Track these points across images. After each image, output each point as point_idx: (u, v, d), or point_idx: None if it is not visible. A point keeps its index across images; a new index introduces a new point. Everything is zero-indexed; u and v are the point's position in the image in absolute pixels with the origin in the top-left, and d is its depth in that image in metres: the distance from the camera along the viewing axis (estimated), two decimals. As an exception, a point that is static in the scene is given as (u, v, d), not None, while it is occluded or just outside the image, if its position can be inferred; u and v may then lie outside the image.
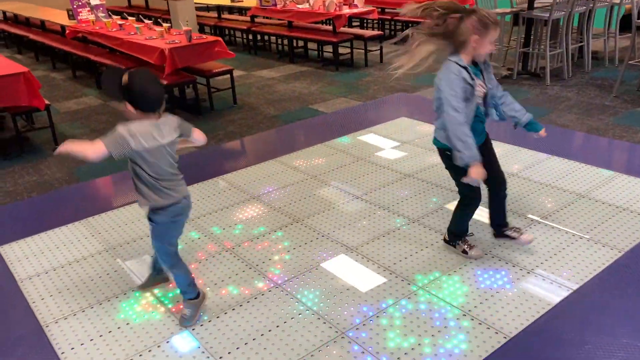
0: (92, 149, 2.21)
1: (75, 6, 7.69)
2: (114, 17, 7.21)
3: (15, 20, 10.85)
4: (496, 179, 2.84)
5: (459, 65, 2.50)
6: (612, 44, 7.08)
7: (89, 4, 7.76)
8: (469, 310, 2.54)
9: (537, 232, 3.17)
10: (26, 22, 10.23)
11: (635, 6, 5.43)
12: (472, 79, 2.51)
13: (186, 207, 2.48)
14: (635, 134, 4.63)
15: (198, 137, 2.55)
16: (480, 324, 2.46)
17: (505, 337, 2.37)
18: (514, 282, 2.73)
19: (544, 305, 2.55)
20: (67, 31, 7.66)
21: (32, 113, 5.44)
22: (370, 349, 2.34)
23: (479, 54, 2.53)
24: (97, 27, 7.11)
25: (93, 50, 7.55)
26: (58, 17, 8.81)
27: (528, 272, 2.80)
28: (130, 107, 2.27)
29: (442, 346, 2.33)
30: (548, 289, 2.66)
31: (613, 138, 4.57)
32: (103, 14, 7.75)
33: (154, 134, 2.28)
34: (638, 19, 5.48)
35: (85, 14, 7.71)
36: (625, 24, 7.36)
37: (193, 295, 2.57)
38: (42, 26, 9.63)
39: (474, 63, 2.59)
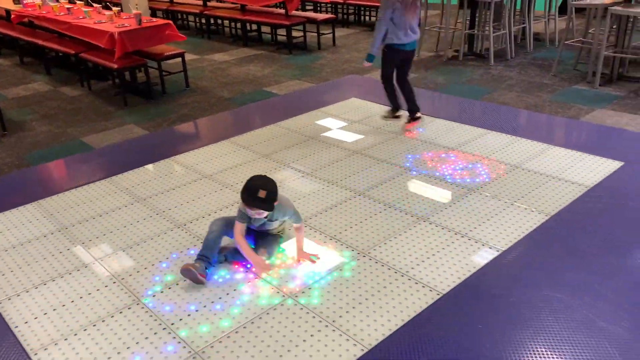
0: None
1: (20, -10, 7.51)
2: (62, 0, 7.07)
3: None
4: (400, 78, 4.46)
5: None
6: (552, 26, 7.40)
7: (35, -13, 7.59)
8: (407, 272, 2.73)
9: (473, 199, 3.39)
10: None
11: (570, -11, 5.72)
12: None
13: None
14: (568, 109, 4.92)
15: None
16: (416, 283, 2.65)
17: (438, 294, 2.57)
18: (448, 246, 2.93)
19: (475, 265, 2.76)
20: (13, 16, 7.47)
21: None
22: (315, 309, 2.50)
23: None
24: (44, 12, 6.98)
25: (41, 35, 7.39)
26: (2, 1, 8.56)
27: (462, 236, 3.01)
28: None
29: (381, 304, 2.51)
30: (480, 250, 2.88)
31: (549, 114, 4.85)
32: (50, -2, 7.60)
33: None
34: (574, 0, 5.77)
35: (31, -2, 7.54)
36: (564, 7, 7.71)
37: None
38: (-14, 11, 9.32)
39: None
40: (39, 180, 4.14)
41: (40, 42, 7.03)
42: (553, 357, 2.19)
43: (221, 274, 2.79)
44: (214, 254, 2.78)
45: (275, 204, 2.66)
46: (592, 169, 3.68)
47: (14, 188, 4.01)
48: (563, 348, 2.24)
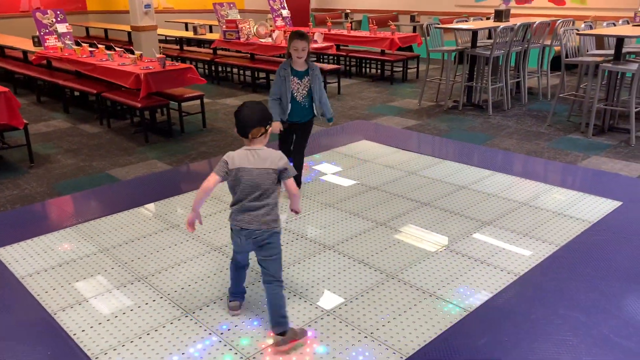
0: (206, 182, 2.60)
1: (42, 33, 7.88)
2: (84, 44, 7.45)
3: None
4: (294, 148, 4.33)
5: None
6: (545, 81, 7.93)
7: (57, 31, 7.99)
8: (434, 292, 2.97)
9: (488, 232, 3.67)
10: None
11: (563, 48, 6.22)
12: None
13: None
14: (566, 155, 5.29)
15: (290, 186, 2.64)
16: (444, 301, 2.89)
17: (466, 311, 2.81)
18: (470, 270, 3.19)
19: (497, 287, 3.01)
20: (34, 57, 7.81)
21: (4, 132, 5.60)
22: (352, 322, 2.71)
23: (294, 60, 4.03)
24: (67, 54, 7.33)
25: (59, 75, 7.73)
26: (18, 43, 8.94)
27: (481, 262, 3.27)
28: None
29: (414, 318, 2.74)
30: (500, 275, 3.13)
31: (548, 159, 5.21)
32: (70, 42, 7.99)
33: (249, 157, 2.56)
34: (566, 58, 6.27)
35: (52, 41, 7.91)
36: (554, 65, 8.28)
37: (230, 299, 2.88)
38: (1, 52, 9.69)
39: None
40: (73, 207, 4.35)
41: (60, 81, 7.35)
42: (575, 366, 2.42)
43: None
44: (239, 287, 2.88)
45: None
46: (594, 207, 4.00)
47: (50, 214, 4.22)
48: (583, 359, 2.47)
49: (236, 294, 2.86)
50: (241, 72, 9.54)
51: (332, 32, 9.61)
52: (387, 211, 4.03)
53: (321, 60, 10.47)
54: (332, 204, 4.17)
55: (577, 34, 6.18)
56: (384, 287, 3.04)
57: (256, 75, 8.93)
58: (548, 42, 7.62)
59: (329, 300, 2.93)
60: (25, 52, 8.77)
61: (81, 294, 3.03)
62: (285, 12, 10.02)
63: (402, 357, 2.48)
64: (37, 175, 5.03)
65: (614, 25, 6.86)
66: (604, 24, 6.98)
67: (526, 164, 5.11)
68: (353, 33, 9.50)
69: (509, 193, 4.32)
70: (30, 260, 3.41)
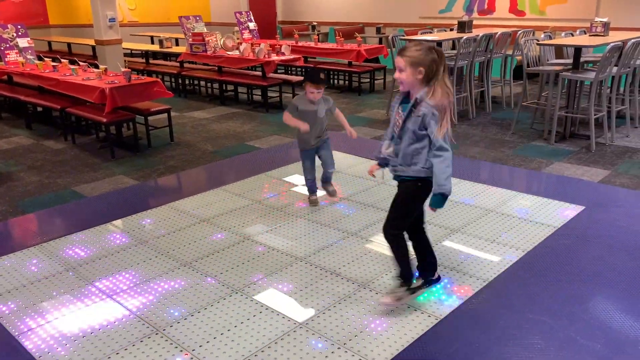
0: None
1: (2, 48, 7.71)
2: (46, 59, 7.30)
3: None
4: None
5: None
6: (508, 90, 8.12)
7: (17, 46, 7.82)
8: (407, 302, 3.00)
9: (457, 239, 3.72)
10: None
11: (524, 58, 6.39)
12: None
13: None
14: (530, 162, 5.42)
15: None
16: (415, 310, 2.91)
17: (436, 319, 2.84)
18: (443, 275, 3.22)
19: (467, 294, 3.06)
20: (-6, 72, 7.63)
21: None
22: (325, 334, 2.71)
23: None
24: (28, 69, 7.18)
25: (21, 91, 7.55)
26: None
27: (451, 269, 3.32)
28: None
29: (386, 328, 2.75)
30: (468, 282, 3.18)
31: (513, 166, 5.33)
32: (32, 56, 7.83)
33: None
34: (528, 67, 6.44)
35: (13, 56, 7.74)
36: (516, 74, 8.50)
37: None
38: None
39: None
40: (37, 225, 4.24)
41: (22, 97, 7.18)
42: (544, 368, 2.47)
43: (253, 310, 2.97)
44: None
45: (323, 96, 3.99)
46: (558, 212, 4.10)
47: (13, 233, 4.10)
48: (551, 361, 2.52)
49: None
50: (209, 84, 9.50)
51: (300, 44, 9.67)
52: (358, 221, 4.06)
53: (289, 72, 10.51)
54: (302, 216, 4.17)
55: (537, 44, 6.37)
56: (356, 297, 3.05)
57: (224, 88, 8.90)
58: (510, 52, 7.82)
59: (301, 312, 2.92)
60: (-16, 68, 8.55)
61: (46, 314, 2.95)
62: (252, 25, 10.04)
63: (375, 367, 2.49)
64: (0, 194, 4.90)
65: (572, 35, 7.09)
66: (563, 34, 7.21)
67: (492, 172, 5.21)
68: (320, 45, 9.58)
69: (475, 200, 4.39)
70: (-8, 281, 3.30)
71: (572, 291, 3.07)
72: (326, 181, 4.44)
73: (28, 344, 2.70)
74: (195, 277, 3.30)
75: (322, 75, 4.01)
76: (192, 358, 2.57)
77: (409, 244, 2.93)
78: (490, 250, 3.55)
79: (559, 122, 6.16)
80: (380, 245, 3.66)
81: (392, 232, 2.82)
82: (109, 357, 2.59)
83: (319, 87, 3.96)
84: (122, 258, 3.57)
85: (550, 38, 6.82)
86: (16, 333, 2.79)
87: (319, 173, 4.40)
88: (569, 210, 4.13)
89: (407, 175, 2.74)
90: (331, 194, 4.43)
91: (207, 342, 2.69)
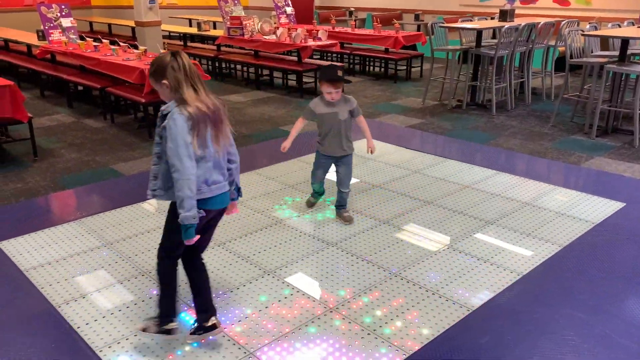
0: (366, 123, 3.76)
1: (46, 27, 7.89)
2: (88, 39, 7.45)
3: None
4: None
5: None
6: (548, 82, 7.92)
7: (61, 26, 7.99)
8: (437, 290, 2.98)
9: (491, 231, 3.67)
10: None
11: (568, 48, 6.21)
12: None
13: None
14: (569, 156, 5.29)
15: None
16: (447, 300, 2.89)
17: (468, 310, 2.81)
18: (473, 269, 3.19)
19: (499, 286, 3.02)
20: (38, 51, 7.83)
21: (8, 126, 5.60)
22: (356, 320, 2.72)
23: None
24: (71, 48, 7.34)
25: (63, 70, 7.74)
26: (22, 37, 8.94)
27: (485, 261, 3.28)
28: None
29: (417, 316, 2.75)
30: (502, 274, 3.14)
31: (551, 159, 5.21)
32: (74, 36, 8.00)
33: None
34: (570, 59, 6.26)
35: (56, 35, 7.92)
36: (558, 65, 8.27)
37: None
38: (5, 46, 9.69)
39: None
40: (77, 201, 4.35)
41: (64, 76, 7.35)
42: (577, 365, 2.43)
43: (285, 292, 3.01)
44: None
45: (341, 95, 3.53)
46: (597, 208, 4.00)
47: (54, 208, 4.23)
48: (585, 357, 2.47)
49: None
50: (245, 68, 9.54)
51: (336, 29, 9.60)
52: (390, 209, 4.04)
53: (325, 57, 10.47)
54: (334, 202, 4.17)
55: (582, 34, 6.17)
56: (386, 284, 3.04)
57: (260, 72, 8.93)
58: (552, 43, 7.61)
59: (332, 297, 2.94)
60: (29, 46, 8.78)
61: (85, 287, 3.04)
62: (290, 10, 10.01)
63: (404, 355, 2.49)
64: (41, 169, 5.04)
65: (619, 26, 6.85)
66: (609, 25, 6.97)
67: (529, 164, 5.11)
68: (357, 31, 9.49)
69: (512, 193, 4.32)
70: (34, 253, 3.42)
71: (610, 288, 3.00)
72: (341, 206, 3.86)
73: (67, 315, 2.79)
74: (228, 258, 3.35)
75: (339, 72, 3.48)
76: (223, 336, 2.62)
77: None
78: (525, 244, 3.49)
79: (601, 116, 5.98)
80: (412, 234, 3.64)
81: (160, 254, 2.49)
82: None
83: (337, 86, 3.45)
84: (158, 236, 3.63)
85: (596, 29, 6.60)
86: (56, 303, 2.88)
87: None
88: (609, 207, 4.02)
89: (165, 200, 2.40)
90: (346, 220, 3.80)
91: (239, 321, 2.73)
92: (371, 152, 3.81)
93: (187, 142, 2.21)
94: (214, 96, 2.35)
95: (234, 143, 2.49)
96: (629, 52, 5.89)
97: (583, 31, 6.26)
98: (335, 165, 3.76)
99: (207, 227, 2.48)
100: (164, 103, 2.35)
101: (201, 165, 2.29)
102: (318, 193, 4.01)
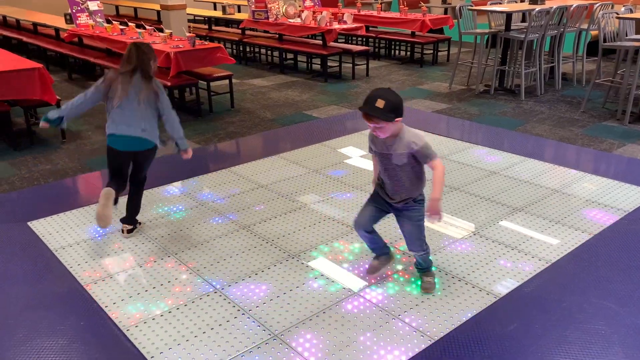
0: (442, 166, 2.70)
1: (74, 11, 7.95)
2: (114, 22, 7.49)
3: (5, 23, 10.97)
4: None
5: None
6: (579, 67, 7.71)
7: (88, 9, 8.04)
8: (464, 277, 2.94)
9: (519, 218, 3.61)
10: (17, 26, 10.38)
11: (601, 32, 6.03)
12: None
13: None
14: (600, 143, 5.16)
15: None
16: (473, 287, 2.86)
17: (495, 297, 2.77)
18: (502, 255, 3.14)
19: (528, 274, 2.97)
20: (66, 34, 7.90)
21: (37, 108, 5.68)
22: (381, 304, 2.70)
23: None
24: (97, 32, 7.39)
25: (90, 53, 7.81)
26: (50, 20, 9.04)
27: (512, 249, 3.22)
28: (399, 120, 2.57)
29: (443, 302, 2.72)
30: (531, 262, 3.08)
31: (582, 146, 5.09)
32: (101, 19, 8.05)
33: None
34: (604, 43, 6.08)
35: (84, 19, 7.98)
36: (590, 50, 8.04)
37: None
38: (34, 30, 9.82)
39: None
40: (103, 183, 4.40)
41: (92, 59, 7.43)
42: (607, 355, 2.37)
43: (309, 276, 3.01)
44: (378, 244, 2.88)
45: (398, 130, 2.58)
46: (629, 196, 3.90)
47: (81, 189, 4.29)
48: (616, 349, 2.42)
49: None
50: (269, 52, 9.51)
51: (362, 13, 9.49)
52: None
53: (350, 41, 10.37)
54: (358, 187, 4.14)
55: (617, 17, 5.98)
56: (413, 270, 3.01)
57: (284, 56, 8.89)
58: (585, 26, 7.39)
59: (356, 281, 2.92)
60: (57, 30, 8.88)
61: (112, 267, 3.08)
62: (315, -7, 9.91)
63: (430, 340, 2.47)
64: (69, 151, 5.11)
65: (656, 9, 6.62)
66: (645, 7, 6.74)
67: (559, 151, 5.00)
68: (383, 14, 9.37)
69: (540, 179, 4.23)
70: (63, 233, 3.48)
71: (642, 278, 2.93)
72: (419, 267, 2.90)
73: (95, 294, 2.83)
74: (253, 240, 3.36)
75: (379, 103, 2.48)
76: (249, 318, 2.63)
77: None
78: (554, 232, 3.42)
79: (635, 101, 5.81)
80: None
81: None
82: (169, 312, 2.68)
83: (370, 120, 2.54)
84: (182, 219, 3.67)
85: (631, 12, 6.39)
86: (84, 282, 2.93)
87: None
88: (642, 195, 3.91)
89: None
90: (425, 286, 2.83)
91: (264, 303, 2.74)
92: (430, 217, 2.65)
93: None
94: None
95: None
96: (665, 35, 5.69)
97: (618, 14, 6.07)
98: (395, 215, 2.81)
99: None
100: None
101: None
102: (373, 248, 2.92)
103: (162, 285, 2.91)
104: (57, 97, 5.28)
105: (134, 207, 3.44)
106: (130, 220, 3.44)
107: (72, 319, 2.66)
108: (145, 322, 2.61)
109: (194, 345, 2.46)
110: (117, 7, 12.67)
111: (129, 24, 7.39)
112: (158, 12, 10.44)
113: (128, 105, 3.21)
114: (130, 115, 3.21)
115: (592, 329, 2.54)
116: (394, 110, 2.50)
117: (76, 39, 8.11)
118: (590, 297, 2.78)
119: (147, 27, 7.09)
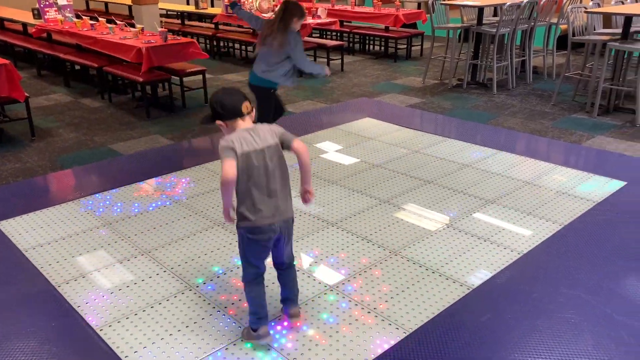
0: (224, 173, 2.17)
1: (42, 5, 7.77)
2: (85, 17, 7.34)
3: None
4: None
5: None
6: (550, 61, 7.84)
7: (57, 4, 7.87)
8: (437, 269, 2.98)
9: (491, 210, 3.66)
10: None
11: (570, 26, 6.13)
12: None
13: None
14: (570, 135, 5.26)
15: (298, 147, 2.37)
16: (447, 278, 2.89)
17: (468, 288, 2.81)
18: (473, 248, 3.18)
19: (500, 265, 3.01)
20: (34, 29, 7.72)
21: (5, 105, 5.54)
22: (357, 298, 2.72)
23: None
24: (67, 27, 7.24)
25: (59, 49, 7.64)
26: (17, 15, 8.82)
27: (485, 240, 3.27)
28: (220, 123, 2.30)
29: (416, 295, 2.75)
30: (503, 253, 3.13)
31: (552, 138, 5.18)
32: (70, 14, 7.88)
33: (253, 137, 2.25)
34: (574, 36, 6.18)
35: (52, 14, 7.81)
36: (560, 44, 8.18)
37: (252, 326, 2.43)
38: (0, 25, 9.56)
39: None
40: (76, 181, 4.33)
41: (61, 55, 7.27)
42: (577, 343, 2.43)
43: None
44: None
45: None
46: (598, 187, 3.99)
47: (52, 187, 4.21)
48: (586, 337, 2.48)
49: (265, 316, 2.43)
50: (243, 47, 9.44)
51: (336, 7, 9.48)
52: (390, 189, 4.02)
53: (324, 36, 10.36)
54: (335, 181, 4.16)
55: (585, 11, 6.10)
56: (387, 263, 3.04)
57: (258, 51, 8.81)
58: (554, 21, 7.51)
59: (332, 276, 2.93)
60: (25, 25, 8.66)
61: (84, 267, 3.04)
62: (288, -13, 9.86)
63: (405, 333, 2.49)
64: (39, 149, 5.01)
65: (622, 3, 6.76)
66: (612, 2, 6.88)
67: (530, 143, 5.08)
68: (357, 9, 9.38)
69: (512, 172, 4.30)
70: (33, 233, 3.41)
71: (610, 267, 3.00)
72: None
73: (67, 294, 2.78)
74: (228, 237, 3.34)
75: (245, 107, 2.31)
76: (224, 315, 2.62)
77: None
78: (525, 223, 3.48)
79: (603, 94, 5.93)
80: (412, 213, 3.63)
81: None
82: (144, 310, 2.66)
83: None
84: (157, 216, 3.63)
85: (599, 6, 6.51)
86: (56, 283, 2.88)
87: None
88: (610, 186, 4.00)
89: None
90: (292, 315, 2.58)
91: (239, 300, 2.73)
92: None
93: None
94: None
95: None
96: (632, 29, 5.81)
97: (586, 8, 6.18)
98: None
99: None
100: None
101: None
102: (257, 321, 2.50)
103: (135, 283, 2.88)
104: (26, 94, 5.16)
105: None
106: None
107: (44, 320, 2.61)
108: (119, 322, 2.58)
109: (169, 344, 2.44)
110: (87, 2, 12.40)
111: (100, 19, 7.26)
112: (129, 6, 10.26)
113: None
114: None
115: (563, 317, 2.60)
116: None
117: (45, 35, 7.93)
118: (561, 287, 2.84)
119: (118, 22, 6.97)
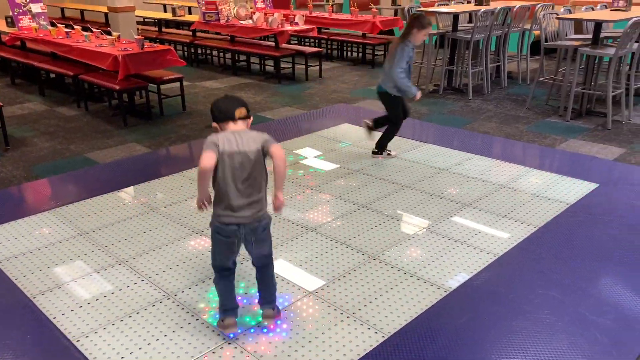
0: (201, 162, 2.27)
1: (15, 13, 7.67)
2: (59, 25, 7.27)
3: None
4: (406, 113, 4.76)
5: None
6: (524, 66, 7.99)
7: (31, 11, 7.78)
8: (415, 272, 3.00)
9: (468, 213, 3.71)
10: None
11: (542, 32, 6.26)
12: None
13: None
14: (544, 139, 5.36)
15: (274, 151, 2.41)
16: (424, 282, 2.92)
17: (446, 291, 2.85)
18: (450, 251, 3.22)
19: (476, 267, 3.06)
20: (8, 37, 7.62)
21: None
22: (334, 303, 2.73)
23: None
24: (41, 35, 7.16)
25: (34, 57, 7.55)
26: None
27: (462, 243, 3.31)
28: (214, 125, 2.41)
29: (395, 298, 2.77)
30: (479, 255, 3.18)
31: (527, 142, 5.27)
32: (45, 22, 7.79)
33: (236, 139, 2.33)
34: (546, 42, 6.31)
35: (26, 21, 7.71)
36: (533, 49, 8.34)
37: (219, 315, 2.55)
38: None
39: None
40: (51, 190, 4.27)
41: (36, 63, 7.18)
42: (552, 343, 2.48)
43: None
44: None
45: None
46: (571, 189, 4.07)
47: (27, 197, 4.15)
48: (560, 337, 2.52)
49: (231, 309, 2.54)
50: (221, 54, 9.43)
51: (314, 14, 9.54)
52: (369, 194, 4.05)
53: (303, 43, 10.40)
54: (313, 187, 4.17)
55: (557, 18, 6.23)
56: (365, 268, 3.06)
57: (237, 58, 8.83)
58: (528, 27, 7.66)
59: (311, 281, 2.94)
60: (-2, 33, 8.54)
61: (60, 277, 3.00)
62: (266, -6, 9.90)
63: (384, 337, 2.51)
64: (13, 159, 4.93)
65: (592, 9, 6.93)
66: (583, 8, 7.04)
67: (505, 147, 5.16)
68: (334, 16, 9.44)
69: (488, 176, 4.36)
70: (7, 244, 3.35)
71: (583, 268, 3.06)
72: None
73: (42, 306, 2.75)
74: (206, 244, 3.33)
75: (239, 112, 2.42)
76: (203, 323, 2.61)
77: None
78: (501, 226, 3.54)
79: (576, 98, 6.06)
80: (390, 217, 3.66)
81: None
82: (121, 320, 2.63)
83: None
84: (135, 225, 3.60)
85: (570, 12, 6.67)
86: (31, 294, 2.84)
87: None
88: (583, 188, 4.09)
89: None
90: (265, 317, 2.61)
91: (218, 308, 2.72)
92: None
93: None
94: None
95: None
96: (601, 35, 5.96)
97: (558, 14, 6.32)
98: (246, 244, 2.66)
99: None
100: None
101: None
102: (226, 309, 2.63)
103: (113, 293, 2.85)
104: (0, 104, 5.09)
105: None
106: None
107: (18, 332, 2.57)
108: (96, 332, 2.55)
109: (147, 353, 2.42)
110: (62, 9, 12.28)
111: (75, 26, 7.19)
112: (106, 14, 10.18)
113: None
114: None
115: (538, 318, 2.64)
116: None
117: (19, 43, 7.83)
118: (536, 287, 2.89)
119: (94, 29, 6.92)
